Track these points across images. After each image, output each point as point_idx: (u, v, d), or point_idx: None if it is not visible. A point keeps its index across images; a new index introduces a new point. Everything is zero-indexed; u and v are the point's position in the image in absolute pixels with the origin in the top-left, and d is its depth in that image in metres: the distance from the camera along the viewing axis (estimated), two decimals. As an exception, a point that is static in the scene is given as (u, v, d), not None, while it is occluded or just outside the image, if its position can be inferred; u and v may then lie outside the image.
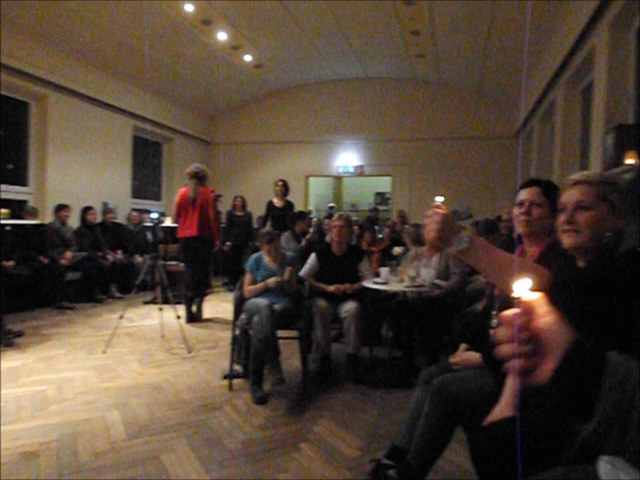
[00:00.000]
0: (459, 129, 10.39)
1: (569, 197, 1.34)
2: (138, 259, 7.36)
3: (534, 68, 7.91)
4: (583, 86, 5.83)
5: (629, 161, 3.68)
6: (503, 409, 1.43)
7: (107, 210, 7.58)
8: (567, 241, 1.33)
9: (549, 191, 1.78)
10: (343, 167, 11.23)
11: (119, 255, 7.19)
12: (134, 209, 8.51)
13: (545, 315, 0.65)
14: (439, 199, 1.37)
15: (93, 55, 7.75)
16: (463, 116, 10.38)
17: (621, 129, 3.88)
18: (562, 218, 1.34)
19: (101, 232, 7.12)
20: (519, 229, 1.87)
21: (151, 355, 4.11)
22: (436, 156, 10.54)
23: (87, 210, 7.00)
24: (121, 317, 4.31)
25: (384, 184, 12.19)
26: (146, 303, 6.36)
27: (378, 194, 13.89)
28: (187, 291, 5.46)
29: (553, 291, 1.22)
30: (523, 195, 1.85)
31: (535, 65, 7.76)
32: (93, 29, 7.04)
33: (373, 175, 11.63)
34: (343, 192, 14.60)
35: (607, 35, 4.44)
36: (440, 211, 1.33)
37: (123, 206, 8.63)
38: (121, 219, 8.20)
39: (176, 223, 5.53)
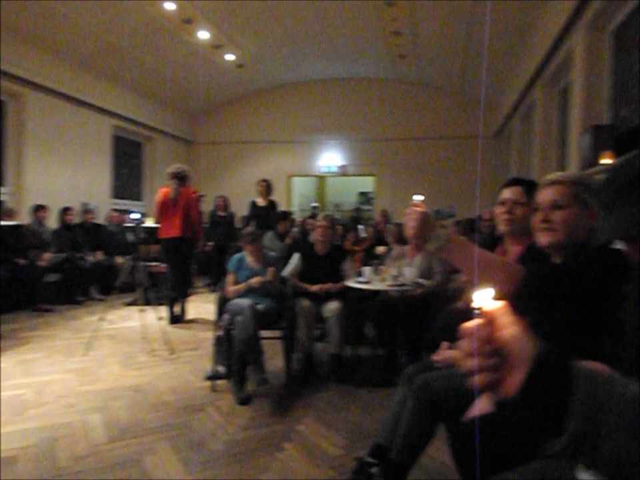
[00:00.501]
0: (441, 129, 10.49)
1: (545, 196, 1.40)
2: (119, 260, 7.26)
3: (513, 69, 8.02)
4: (561, 87, 5.94)
5: (605, 161, 3.76)
6: (483, 404, 1.45)
7: (86, 210, 7.44)
8: (543, 239, 1.38)
9: (531, 190, 1.81)
10: (326, 167, 11.24)
11: (99, 256, 7.09)
12: (114, 210, 8.39)
13: (509, 326, 0.61)
14: (418, 198, 1.39)
15: (72, 53, 7.62)
16: (445, 116, 10.47)
17: (597, 130, 3.97)
18: (538, 217, 1.38)
19: (81, 233, 7.01)
20: (501, 227, 1.89)
21: (132, 357, 4.06)
22: (419, 156, 10.61)
23: (65, 210, 6.89)
24: (101, 319, 4.25)
25: (367, 184, 12.24)
26: (127, 304, 6.27)
27: (362, 193, 13.93)
28: (170, 292, 5.42)
29: (518, 299, 1.25)
30: (506, 194, 1.87)
31: (514, 65, 7.87)
32: (72, 27, 6.92)
33: (356, 175, 11.66)
34: (326, 192, 14.60)
35: (584, 37, 4.53)
36: (418, 209, 1.34)
37: (103, 206, 8.49)
38: (100, 219, 8.07)
39: (157, 223, 5.47)
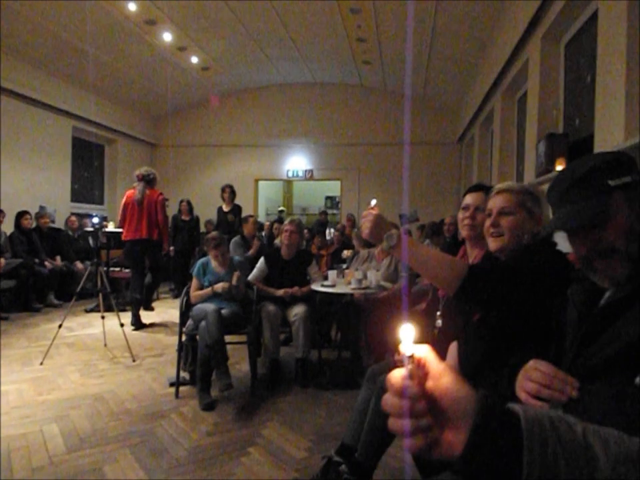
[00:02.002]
0: (405, 135, 10.67)
1: (494, 203, 1.54)
2: (79, 265, 7.06)
3: (474, 76, 8.26)
4: (519, 95, 6.16)
5: (559, 167, 3.92)
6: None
7: (41, 214, 7.18)
8: (492, 245, 1.52)
9: None
10: (292, 171, 11.26)
11: (58, 261, 6.87)
12: (74, 214, 8.15)
13: (442, 375, 0.53)
14: (373, 202, 1.50)
15: (29, 53, 7.36)
16: (408, 122, 10.67)
17: (551, 138, 4.13)
18: (488, 222, 1.51)
19: (38, 238, 6.77)
20: (464, 232, 1.95)
21: (93, 365, 3.95)
22: (383, 161, 10.77)
23: (22, 214, 6.65)
24: (60, 327, 4.12)
25: (334, 188, 12.33)
26: (88, 311, 6.10)
27: (328, 198, 14.02)
28: (135, 295, 5.33)
29: (460, 295, 1.33)
30: (468, 199, 1.93)
31: (475, 73, 8.11)
32: (29, 26, 6.69)
33: (322, 179, 11.73)
34: (293, 196, 14.63)
35: (539, 48, 4.72)
36: (373, 211, 1.48)
37: (63, 210, 8.24)
38: (60, 224, 7.83)
39: (121, 225, 5.42)
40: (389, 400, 0.53)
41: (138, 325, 5.25)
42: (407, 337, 0.53)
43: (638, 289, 0.90)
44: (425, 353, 0.54)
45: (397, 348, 0.53)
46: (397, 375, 0.52)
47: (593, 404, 0.85)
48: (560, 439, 0.49)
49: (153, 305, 6.33)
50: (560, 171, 1.03)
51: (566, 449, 0.49)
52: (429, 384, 0.53)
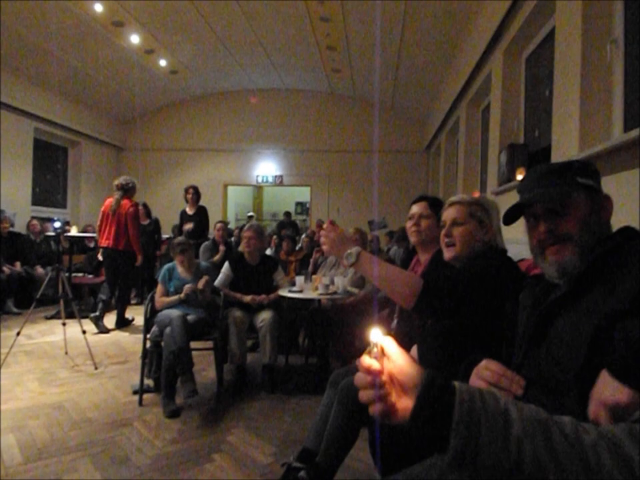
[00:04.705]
0: (374, 143, 10.83)
1: (447, 215, 1.65)
2: (39, 270, 6.84)
3: (440, 87, 8.47)
4: (483, 106, 6.34)
5: (520, 176, 4.06)
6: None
7: (-1, 219, 6.93)
8: (446, 254, 1.63)
9: (435, 205, 2.05)
10: (262, 177, 11.25)
11: (17, 266, 6.64)
12: (35, 217, 7.89)
13: (398, 358, 0.68)
14: (330, 220, 1.60)
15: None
16: (377, 130, 10.84)
17: (512, 148, 4.28)
18: (442, 232, 1.63)
19: (-4, 242, 6.54)
20: (412, 239, 2.13)
21: (52, 374, 3.84)
22: (353, 167, 10.89)
23: (-21, 218, 6.42)
24: (18, 334, 3.99)
25: (304, 194, 12.37)
26: (48, 318, 5.92)
27: (298, 204, 14.06)
28: (101, 295, 5.44)
29: (419, 306, 1.40)
30: (414, 209, 2.13)
31: (442, 84, 8.31)
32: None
33: (292, 185, 11.76)
34: (263, 201, 14.60)
35: (501, 62, 4.89)
36: (332, 229, 1.53)
37: (23, 214, 7.98)
38: (20, 227, 7.58)
39: (99, 232, 5.56)
40: (359, 376, 0.68)
41: (101, 328, 5.17)
42: (375, 329, 0.69)
43: (574, 287, 0.96)
44: (387, 341, 0.69)
45: (364, 351, 0.69)
46: (365, 358, 0.68)
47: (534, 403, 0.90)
48: (484, 404, 0.63)
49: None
50: (526, 174, 1.12)
51: (488, 411, 0.62)
52: (389, 364, 0.68)
